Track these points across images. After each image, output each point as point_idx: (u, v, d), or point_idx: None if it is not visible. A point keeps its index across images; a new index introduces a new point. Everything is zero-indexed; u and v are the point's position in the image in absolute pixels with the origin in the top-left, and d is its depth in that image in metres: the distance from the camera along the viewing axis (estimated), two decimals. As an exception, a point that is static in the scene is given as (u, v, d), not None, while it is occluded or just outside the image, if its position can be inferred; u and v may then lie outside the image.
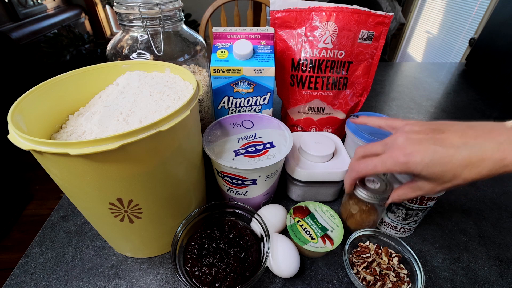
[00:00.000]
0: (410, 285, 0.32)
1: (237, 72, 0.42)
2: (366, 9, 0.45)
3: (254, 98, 0.45)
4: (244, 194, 0.39)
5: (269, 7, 0.55)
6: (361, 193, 0.35)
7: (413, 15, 2.23)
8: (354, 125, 0.46)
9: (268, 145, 0.37)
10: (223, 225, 0.35)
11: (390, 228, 0.39)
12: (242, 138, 0.39)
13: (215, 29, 0.45)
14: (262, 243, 0.34)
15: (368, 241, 0.37)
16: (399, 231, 0.39)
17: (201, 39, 0.47)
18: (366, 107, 0.75)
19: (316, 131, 0.55)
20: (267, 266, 0.34)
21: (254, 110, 0.47)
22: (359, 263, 0.34)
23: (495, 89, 0.86)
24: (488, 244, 0.40)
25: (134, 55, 0.40)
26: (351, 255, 0.36)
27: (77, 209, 0.43)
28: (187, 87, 0.34)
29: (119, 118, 0.28)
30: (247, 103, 0.46)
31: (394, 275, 0.33)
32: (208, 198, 0.43)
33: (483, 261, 0.37)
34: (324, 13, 0.46)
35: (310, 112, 0.53)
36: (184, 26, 0.45)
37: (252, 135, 0.39)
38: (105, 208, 0.27)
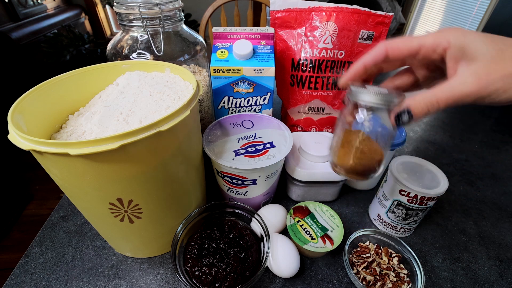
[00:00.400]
0: (410, 285, 0.32)
1: (237, 72, 0.42)
2: (366, 9, 0.45)
3: (254, 98, 0.45)
4: (244, 194, 0.39)
5: (269, 7, 0.55)
6: (359, 93, 0.25)
7: (413, 15, 2.23)
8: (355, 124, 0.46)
9: (268, 145, 0.37)
10: (223, 225, 0.35)
11: (390, 228, 0.39)
12: (242, 138, 0.39)
13: (215, 29, 0.45)
14: (262, 243, 0.34)
15: (368, 241, 0.37)
16: (399, 231, 0.39)
17: (201, 39, 0.47)
18: (366, 107, 0.75)
19: (316, 131, 0.55)
20: (267, 266, 0.34)
21: (254, 110, 0.47)
22: (359, 263, 0.34)
23: (495, 89, 0.86)
24: (488, 244, 0.40)
25: (134, 55, 0.40)
26: (351, 255, 0.36)
27: (77, 209, 0.43)
28: (187, 87, 0.34)
29: (119, 118, 0.28)
30: (247, 103, 0.46)
31: (394, 275, 0.33)
32: (208, 198, 0.43)
33: (483, 261, 0.37)
34: (324, 13, 0.46)
35: (310, 112, 0.53)
36: (184, 26, 0.45)
37: (252, 135, 0.39)
38: (105, 208, 0.27)
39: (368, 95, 0.24)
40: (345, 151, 0.27)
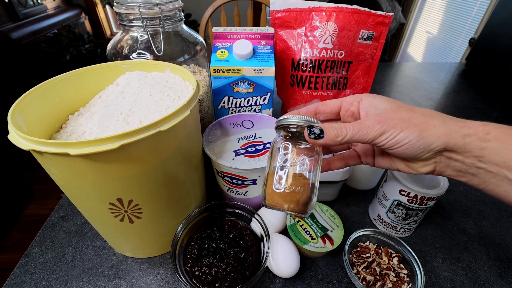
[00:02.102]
0: (410, 285, 0.32)
1: (237, 72, 0.42)
2: (366, 9, 0.45)
3: (254, 98, 0.45)
4: (244, 194, 0.39)
5: (269, 7, 0.55)
6: (282, 118, 0.26)
7: (413, 15, 2.23)
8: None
9: (268, 145, 0.37)
10: (223, 225, 0.35)
11: (390, 228, 0.39)
12: (242, 138, 0.39)
13: (215, 29, 0.45)
14: (262, 243, 0.34)
15: (368, 241, 0.37)
16: (399, 231, 0.39)
17: (201, 39, 0.47)
18: (366, 107, 0.75)
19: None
20: (267, 266, 0.34)
21: (254, 110, 0.47)
22: (359, 263, 0.34)
23: (495, 89, 0.86)
24: (488, 244, 0.40)
25: (134, 55, 0.40)
26: (351, 255, 0.36)
27: (77, 209, 0.43)
28: (187, 87, 0.34)
29: (119, 118, 0.28)
30: (247, 103, 0.46)
31: (394, 275, 0.33)
32: (208, 198, 0.43)
33: (483, 261, 0.37)
34: (324, 13, 0.46)
35: (310, 112, 0.53)
36: (184, 26, 0.45)
37: (252, 135, 0.39)
38: (105, 208, 0.27)
39: (290, 118, 0.26)
40: (272, 183, 0.26)
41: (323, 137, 0.24)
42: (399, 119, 0.22)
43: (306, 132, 0.24)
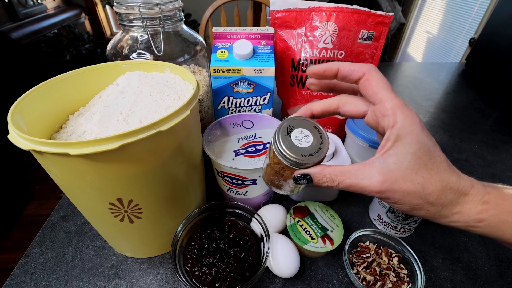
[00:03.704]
0: (410, 285, 0.32)
1: (237, 72, 0.42)
2: (366, 9, 0.45)
3: (254, 98, 0.45)
4: (244, 194, 0.39)
5: (269, 7, 0.55)
6: (276, 139, 0.24)
7: (413, 15, 2.23)
8: (354, 125, 0.46)
9: (268, 145, 0.37)
10: (223, 225, 0.35)
11: (390, 228, 0.39)
12: (242, 138, 0.39)
13: (215, 29, 0.45)
14: (262, 243, 0.34)
15: (368, 241, 0.37)
16: (399, 231, 0.39)
17: (201, 39, 0.47)
18: (366, 107, 0.75)
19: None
20: (267, 266, 0.34)
21: (254, 110, 0.47)
22: (359, 263, 0.34)
23: (495, 89, 0.86)
24: (488, 244, 0.40)
25: (134, 55, 0.40)
26: (351, 255, 0.36)
27: (77, 209, 0.43)
28: (187, 87, 0.34)
29: (119, 118, 0.28)
30: (247, 103, 0.46)
31: (394, 275, 0.33)
32: (208, 198, 0.43)
33: (483, 261, 0.37)
34: (324, 13, 0.46)
35: (310, 112, 0.53)
36: (184, 26, 0.45)
37: (252, 135, 0.39)
38: (105, 208, 0.27)
39: (283, 150, 0.23)
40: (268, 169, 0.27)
41: (311, 182, 0.23)
42: (410, 183, 0.20)
43: (292, 178, 0.24)
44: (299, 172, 0.23)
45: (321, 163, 0.24)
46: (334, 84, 0.27)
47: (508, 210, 0.19)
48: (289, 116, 0.25)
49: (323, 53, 0.47)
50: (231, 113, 0.47)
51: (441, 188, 0.20)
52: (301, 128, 0.24)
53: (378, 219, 0.41)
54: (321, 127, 0.25)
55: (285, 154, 0.23)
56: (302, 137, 0.24)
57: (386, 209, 0.38)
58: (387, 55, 2.36)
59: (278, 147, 0.23)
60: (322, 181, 0.22)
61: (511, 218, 0.19)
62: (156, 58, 0.40)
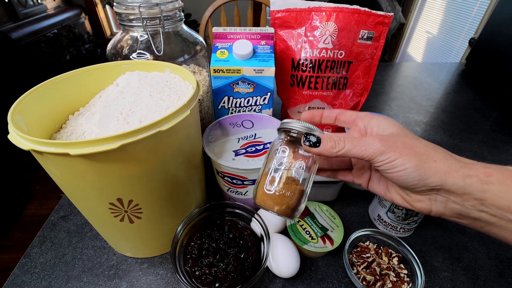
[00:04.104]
0: (410, 285, 0.32)
1: (237, 72, 0.42)
2: (366, 9, 0.45)
3: (254, 98, 0.45)
4: (244, 194, 0.39)
5: (269, 7, 0.55)
6: (285, 122, 0.26)
7: (413, 15, 2.23)
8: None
9: (268, 145, 0.37)
10: (223, 225, 0.35)
11: (390, 228, 0.39)
12: (242, 138, 0.39)
13: (215, 29, 0.45)
14: (262, 243, 0.34)
15: (368, 241, 0.37)
16: (399, 231, 0.39)
17: (201, 39, 0.47)
18: (366, 107, 0.75)
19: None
20: (267, 266, 0.34)
21: (254, 110, 0.47)
22: (359, 263, 0.34)
23: (495, 89, 0.86)
24: (488, 244, 0.40)
25: (134, 55, 0.40)
26: (351, 255, 0.36)
27: (77, 209, 0.43)
28: (187, 87, 0.34)
29: (119, 118, 0.28)
30: (247, 103, 0.46)
31: (394, 275, 0.33)
32: (208, 198, 0.43)
33: (483, 261, 0.37)
34: (324, 13, 0.46)
35: (310, 112, 0.53)
36: (184, 26, 0.45)
37: (252, 135, 0.39)
38: (105, 208, 0.27)
39: (293, 123, 0.26)
40: (264, 184, 0.26)
41: (318, 146, 0.24)
42: (401, 144, 0.22)
43: (302, 138, 0.24)
44: (309, 135, 0.24)
45: None
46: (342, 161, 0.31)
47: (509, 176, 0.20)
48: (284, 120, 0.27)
49: (323, 53, 0.47)
50: (231, 113, 0.47)
51: (433, 148, 0.22)
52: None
53: (378, 219, 0.41)
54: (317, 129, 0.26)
55: (300, 124, 0.25)
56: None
57: (386, 209, 0.38)
58: (387, 55, 2.36)
59: (294, 124, 0.26)
60: (329, 143, 0.23)
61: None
62: (156, 58, 0.40)
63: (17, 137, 0.23)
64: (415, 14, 2.22)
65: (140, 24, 0.38)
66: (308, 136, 0.24)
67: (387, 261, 0.34)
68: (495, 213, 0.20)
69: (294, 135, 0.26)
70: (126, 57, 0.40)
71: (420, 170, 0.21)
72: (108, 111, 0.29)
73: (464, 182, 0.20)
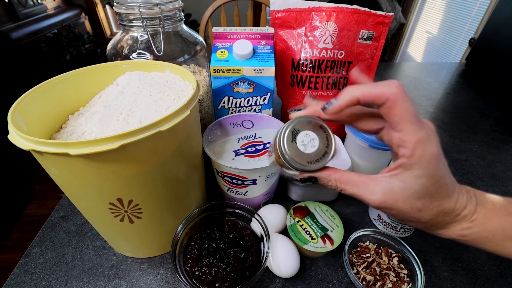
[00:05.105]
0: (410, 285, 0.32)
1: (237, 72, 0.42)
2: (366, 9, 0.45)
3: (254, 98, 0.45)
4: (244, 194, 0.39)
5: (269, 7, 0.54)
6: (280, 136, 0.23)
7: (413, 15, 2.23)
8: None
9: (268, 145, 0.37)
10: (223, 225, 0.35)
11: (390, 228, 0.39)
12: (242, 138, 0.39)
13: (215, 29, 0.45)
14: (262, 243, 0.34)
15: (368, 241, 0.37)
16: (399, 231, 0.39)
17: (201, 39, 0.47)
18: (366, 107, 0.75)
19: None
20: (267, 266, 0.34)
21: (254, 110, 0.47)
22: (359, 263, 0.34)
23: (495, 89, 0.86)
24: (488, 244, 0.40)
25: (134, 55, 0.40)
26: (351, 255, 0.36)
27: (77, 209, 0.43)
28: (187, 87, 0.34)
29: (119, 118, 0.28)
30: (247, 103, 0.46)
31: (394, 275, 0.33)
32: (208, 198, 0.43)
33: (483, 261, 0.37)
34: (324, 13, 0.46)
35: (310, 112, 0.53)
36: (184, 26, 0.45)
37: (252, 135, 0.39)
38: (105, 208, 0.27)
39: (282, 141, 0.23)
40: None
41: (316, 183, 0.24)
42: (408, 209, 0.21)
43: (299, 176, 0.24)
44: (305, 175, 0.24)
45: (328, 165, 0.24)
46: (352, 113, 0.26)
47: (489, 229, 0.21)
48: (295, 117, 0.25)
49: (323, 53, 0.47)
50: (231, 113, 0.47)
51: (436, 213, 0.21)
52: (307, 131, 0.23)
53: (378, 219, 0.41)
54: (327, 127, 0.24)
55: (291, 162, 0.23)
56: (308, 141, 0.23)
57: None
58: (387, 55, 2.36)
59: (284, 154, 0.23)
60: (327, 184, 0.23)
61: (491, 236, 0.21)
62: (156, 58, 0.40)
63: (17, 137, 0.23)
64: (415, 14, 2.22)
65: (140, 24, 0.38)
66: (304, 180, 0.24)
67: (387, 261, 0.34)
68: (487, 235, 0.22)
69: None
70: (126, 57, 0.40)
71: (408, 222, 0.23)
72: (108, 111, 0.29)
73: (441, 232, 0.23)
